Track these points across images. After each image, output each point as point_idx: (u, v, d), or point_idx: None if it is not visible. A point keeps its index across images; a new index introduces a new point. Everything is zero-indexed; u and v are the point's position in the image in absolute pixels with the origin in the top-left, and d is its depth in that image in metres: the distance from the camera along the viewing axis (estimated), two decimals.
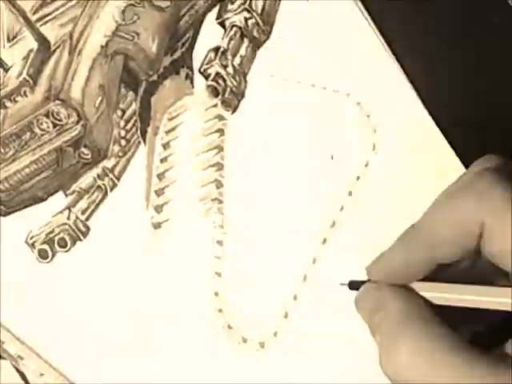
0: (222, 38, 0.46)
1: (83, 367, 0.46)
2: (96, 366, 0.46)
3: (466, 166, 0.46)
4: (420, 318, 0.34)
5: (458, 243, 0.35)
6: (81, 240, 0.47)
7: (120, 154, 0.47)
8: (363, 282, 0.37)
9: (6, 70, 0.46)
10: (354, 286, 0.37)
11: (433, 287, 0.35)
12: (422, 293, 0.35)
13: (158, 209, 0.47)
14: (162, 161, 0.47)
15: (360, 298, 0.37)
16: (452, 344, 0.33)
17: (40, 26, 0.46)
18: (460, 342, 0.33)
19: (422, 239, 0.35)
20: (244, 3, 0.46)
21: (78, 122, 0.46)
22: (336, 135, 0.46)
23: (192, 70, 0.46)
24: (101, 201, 0.47)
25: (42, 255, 0.47)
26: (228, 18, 0.46)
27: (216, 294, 0.46)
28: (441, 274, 0.35)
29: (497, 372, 0.32)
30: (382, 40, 0.46)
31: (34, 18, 0.46)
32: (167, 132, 0.47)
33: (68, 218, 0.47)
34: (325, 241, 0.46)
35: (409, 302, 0.35)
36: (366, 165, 0.46)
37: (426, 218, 0.35)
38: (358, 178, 0.46)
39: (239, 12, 0.46)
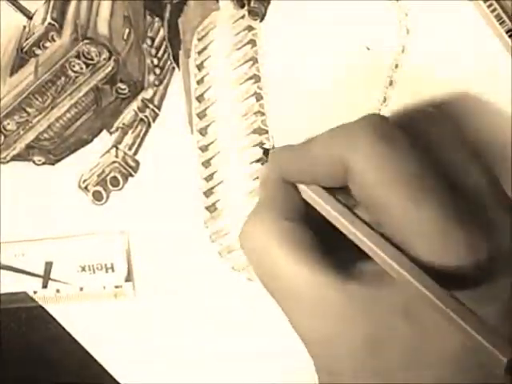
0: None
1: None
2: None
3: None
4: (282, 207, 0.37)
5: (329, 176, 0.36)
6: (132, 176, 0.47)
7: (156, 82, 0.46)
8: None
9: (30, 18, 0.46)
10: (266, 154, 0.40)
11: (314, 191, 0.37)
12: (302, 192, 0.38)
13: (203, 131, 0.46)
14: (198, 82, 0.46)
15: (260, 171, 0.41)
16: (291, 228, 0.36)
17: None
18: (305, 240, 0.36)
19: (304, 160, 0.37)
20: None
21: (109, 58, 0.46)
22: (368, 25, 0.45)
23: None
24: (145, 133, 0.47)
25: (97, 197, 0.47)
26: None
27: None
28: None
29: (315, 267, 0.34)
30: None
31: None
32: (199, 52, 0.46)
33: (116, 156, 0.47)
34: None
35: (282, 191, 0.38)
36: (403, 51, 0.45)
37: (312, 144, 0.37)
38: (397, 65, 0.45)
39: None
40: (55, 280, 0.47)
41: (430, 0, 0.43)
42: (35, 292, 0.47)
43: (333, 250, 0.36)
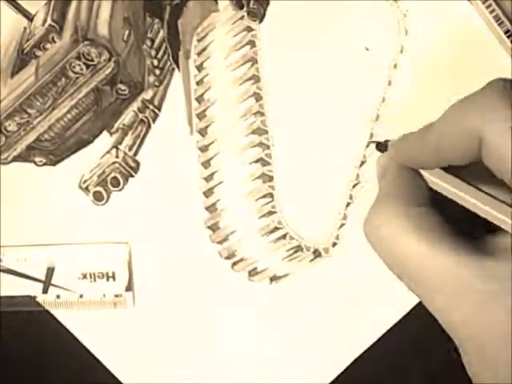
0: None
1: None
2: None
3: None
4: (407, 194, 0.36)
5: (461, 151, 0.35)
6: (132, 176, 0.47)
7: (156, 83, 0.46)
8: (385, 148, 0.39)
9: (31, 19, 0.46)
10: (380, 147, 0.39)
11: (438, 175, 0.36)
12: (426, 178, 0.37)
13: (203, 132, 0.47)
14: (198, 83, 0.46)
15: (377, 163, 0.39)
16: (426, 226, 0.35)
17: None
18: (442, 231, 0.35)
19: (430, 140, 0.36)
20: None
21: (109, 59, 0.46)
22: (367, 26, 0.45)
23: None
24: (146, 133, 0.47)
25: (97, 197, 0.47)
26: None
27: (273, 207, 0.46)
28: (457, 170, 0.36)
29: (458, 252, 0.34)
30: None
31: None
32: (199, 53, 0.46)
33: (117, 157, 0.47)
34: (372, 135, 0.46)
35: (406, 179, 0.37)
36: (402, 51, 0.45)
37: (437, 121, 0.36)
38: (396, 65, 0.45)
39: None
40: (56, 286, 0.47)
41: (428, 0, 0.44)
42: (35, 297, 0.47)
43: (464, 231, 0.35)
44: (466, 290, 0.34)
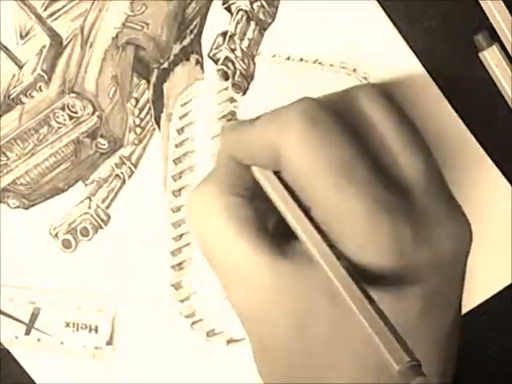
0: (229, 23, 0.47)
1: None
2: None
3: (476, 135, 0.47)
4: (229, 182, 0.38)
5: (265, 160, 0.37)
6: (102, 228, 0.48)
7: (136, 141, 0.48)
8: None
9: (21, 67, 0.47)
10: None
11: (262, 175, 0.38)
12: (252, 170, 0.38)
13: (176, 193, 0.48)
14: (177, 146, 0.48)
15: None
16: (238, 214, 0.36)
17: (51, 21, 0.47)
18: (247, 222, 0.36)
19: (245, 140, 0.38)
20: None
21: (93, 113, 0.47)
22: None
23: (201, 55, 0.47)
24: (120, 189, 0.48)
25: (66, 245, 0.48)
26: (234, 3, 0.47)
27: None
28: None
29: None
30: (386, 14, 0.46)
31: (44, 14, 0.47)
32: (181, 117, 0.48)
33: (89, 208, 0.48)
34: None
35: (232, 167, 0.38)
36: None
37: (252, 125, 0.38)
38: None
39: None
40: (38, 329, 0.48)
41: None
42: (17, 337, 0.48)
43: (277, 230, 0.37)
44: (260, 287, 0.35)
